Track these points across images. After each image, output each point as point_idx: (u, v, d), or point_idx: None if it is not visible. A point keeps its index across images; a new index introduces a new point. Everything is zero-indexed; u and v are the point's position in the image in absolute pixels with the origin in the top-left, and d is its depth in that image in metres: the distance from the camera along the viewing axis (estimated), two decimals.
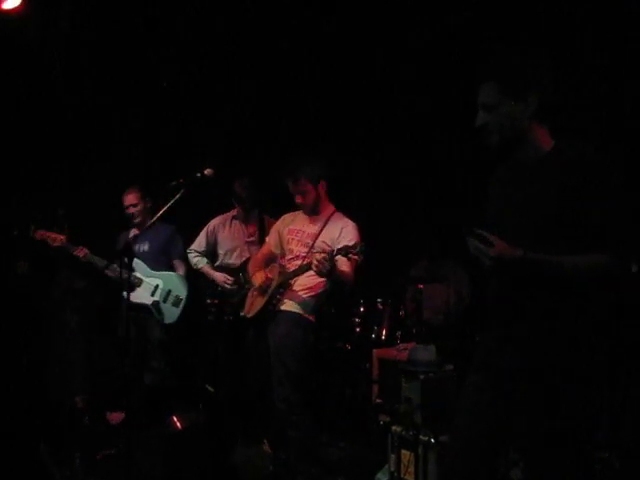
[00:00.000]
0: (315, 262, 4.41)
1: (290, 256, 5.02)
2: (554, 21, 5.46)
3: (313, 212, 4.98)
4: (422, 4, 6.01)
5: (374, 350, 6.30)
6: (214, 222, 6.37)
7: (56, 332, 6.79)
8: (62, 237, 6.18)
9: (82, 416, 6.27)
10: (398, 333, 6.54)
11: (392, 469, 4.67)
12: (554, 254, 2.67)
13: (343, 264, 4.68)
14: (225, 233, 6.31)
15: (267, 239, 5.35)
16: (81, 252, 6.19)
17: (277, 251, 5.20)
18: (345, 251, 4.47)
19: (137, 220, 6.39)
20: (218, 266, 6.32)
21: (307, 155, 4.97)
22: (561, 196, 2.68)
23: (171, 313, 6.31)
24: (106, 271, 6.16)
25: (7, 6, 5.50)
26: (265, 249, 5.34)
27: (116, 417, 6.20)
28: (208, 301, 6.24)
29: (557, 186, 2.70)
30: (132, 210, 6.39)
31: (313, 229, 4.98)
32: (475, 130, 2.88)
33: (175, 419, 5.40)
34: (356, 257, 4.55)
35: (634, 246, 2.73)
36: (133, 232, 6.47)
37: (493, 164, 3.06)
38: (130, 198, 6.42)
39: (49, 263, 6.75)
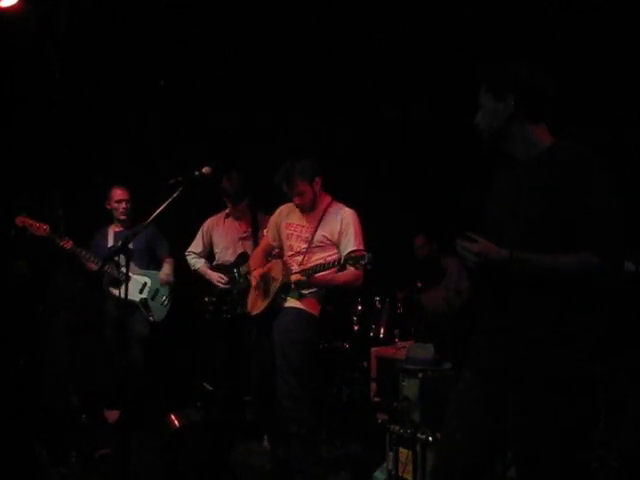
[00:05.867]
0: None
1: (290, 252, 5.04)
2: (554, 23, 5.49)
3: (311, 209, 5.00)
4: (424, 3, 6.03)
5: (372, 348, 6.33)
6: (208, 222, 6.41)
7: (53, 331, 6.78)
8: (45, 226, 6.14)
9: (79, 415, 6.26)
10: (396, 331, 6.57)
11: (390, 467, 4.66)
12: (543, 253, 2.69)
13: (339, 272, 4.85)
14: (219, 231, 6.35)
15: (265, 232, 5.40)
16: (67, 244, 6.18)
17: (275, 244, 5.25)
18: (354, 261, 4.56)
19: (125, 217, 6.41)
20: (216, 265, 6.33)
21: (297, 157, 4.98)
22: (549, 194, 2.70)
23: (159, 311, 6.38)
24: (90, 264, 6.20)
25: (4, 4, 5.51)
26: (264, 243, 5.38)
27: (113, 415, 6.21)
28: (206, 299, 6.27)
29: (546, 184, 2.73)
30: (125, 206, 6.41)
31: (311, 223, 5.01)
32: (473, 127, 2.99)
33: (173, 417, 5.40)
34: (363, 267, 4.66)
35: (623, 247, 2.73)
36: (113, 229, 6.49)
37: (491, 161, 3.09)
38: (123, 193, 6.48)
39: (47, 263, 6.75)
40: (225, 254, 6.29)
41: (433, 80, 6.52)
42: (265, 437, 5.46)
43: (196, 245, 6.39)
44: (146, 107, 7.29)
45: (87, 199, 6.87)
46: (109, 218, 6.60)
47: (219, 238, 6.33)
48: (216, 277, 6.20)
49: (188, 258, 6.40)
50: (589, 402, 2.73)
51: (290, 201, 5.09)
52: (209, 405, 6.19)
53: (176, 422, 5.38)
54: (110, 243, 6.47)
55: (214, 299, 6.21)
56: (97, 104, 7.03)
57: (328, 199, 5.07)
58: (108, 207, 6.54)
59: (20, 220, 6.12)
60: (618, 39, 5.28)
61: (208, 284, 6.29)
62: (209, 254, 6.41)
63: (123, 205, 6.44)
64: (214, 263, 6.37)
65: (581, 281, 2.66)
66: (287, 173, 4.90)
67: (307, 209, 5.01)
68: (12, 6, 5.50)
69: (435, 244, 7.12)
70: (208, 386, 6.36)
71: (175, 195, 4.78)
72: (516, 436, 2.76)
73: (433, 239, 7.08)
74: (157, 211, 4.91)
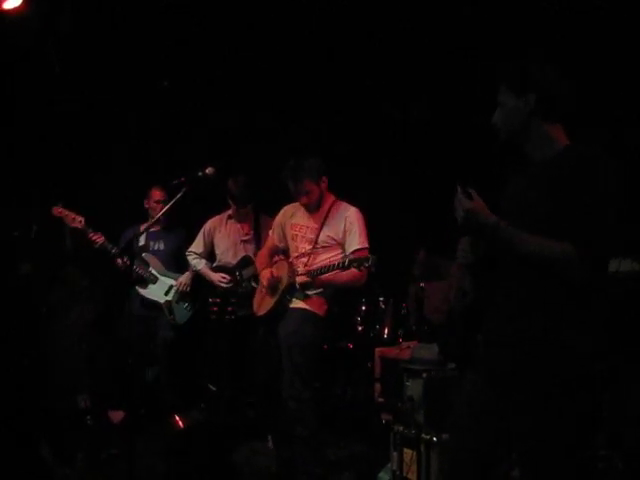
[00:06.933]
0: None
1: (296, 253, 5.05)
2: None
3: (316, 209, 5.01)
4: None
5: (376, 349, 6.30)
6: (210, 223, 6.38)
7: (59, 331, 6.77)
8: (81, 219, 6.16)
9: (85, 415, 6.26)
10: (400, 332, 6.56)
11: (394, 468, 4.66)
12: None
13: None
14: (221, 233, 6.32)
15: (270, 232, 5.38)
16: (99, 238, 6.18)
17: (281, 244, 5.24)
18: (359, 263, 4.56)
19: (162, 217, 6.38)
20: (217, 266, 6.32)
21: (304, 155, 4.98)
22: (555, 194, 2.71)
23: (182, 314, 6.36)
24: (117, 261, 6.20)
25: (8, 6, 5.49)
26: (270, 243, 5.37)
27: (118, 416, 6.20)
28: (210, 300, 6.25)
29: (553, 184, 2.74)
30: (163, 206, 6.38)
31: (315, 223, 5.01)
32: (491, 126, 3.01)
33: (177, 418, 5.40)
34: (367, 270, 4.67)
35: (608, 247, 2.74)
36: (143, 228, 6.47)
37: (498, 160, 3.12)
38: (162, 194, 6.46)
39: (51, 262, 6.73)
40: (226, 256, 6.27)
41: (433, 80, 6.52)
42: (269, 438, 5.45)
43: (197, 245, 6.36)
44: (146, 107, 7.28)
45: (87, 199, 6.86)
46: (144, 217, 6.57)
47: (220, 240, 6.31)
48: (218, 277, 6.17)
49: (189, 258, 6.37)
50: (590, 399, 2.73)
51: (295, 200, 5.09)
52: (213, 406, 6.18)
53: (180, 423, 5.39)
54: (142, 242, 6.49)
55: (218, 300, 6.20)
56: (97, 104, 7.02)
57: (332, 198, 5.07)
58: (146, 206, 6.54)
59: (57, 210, 6.14)
60: (618, 39, 5.29)
61: (210, 285, 6.27)
62: (210, 254, 6.39)
63: (162, 206, 6.37)
64: (215, 264, 6.35)
65: (558, 270, 2.67)
66: (294, 171, 4.90)
67: (312, 208, 5.01)
68: (16, 8, 5.48)
69: (436, 257, 7.08)
70: (212, 387, 6.35)
71: (179, 195, 4.80)
72: (520, 434, 2.76)
73: (433, 254, 7.05)
74: (162, 211, 4.94)
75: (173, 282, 6.41)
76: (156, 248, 6.45)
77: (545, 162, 2.85)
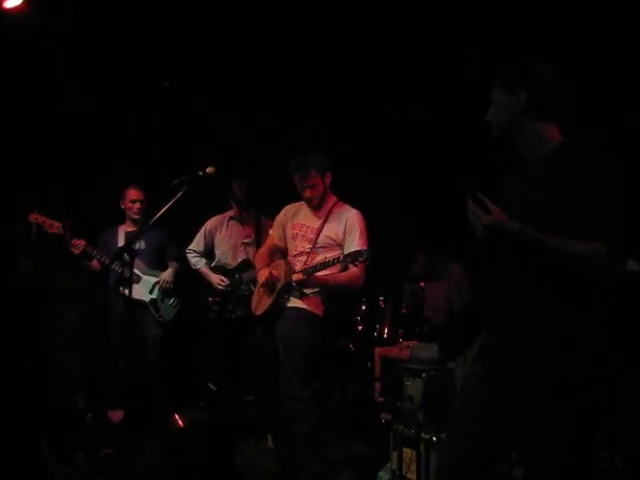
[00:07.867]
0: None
1: (294, 252, 5.04)
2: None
3: (319, 206, 5.01)
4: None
5: (376, 348, 6.31)
6: (211, 222, 6.39)
7: (58, 331, 6.77)
8: (59, 224, 6.09)
9: (84, 415, 6.25)
10: (400, 331, 6.57)
11: (394, 467, 4.66)
12: None
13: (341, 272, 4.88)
14: (222, 234, 6.33)
15: (270, 232, 5.37)
16: (79, 242, 6.13)
17: (281, 244, 5.23)
18: (353, 258, 4.59)
19: (138, 217, 6.37)
20: (215, 266, 6.33)
21: (312, 149, 4.99)
22: (555, 196, 2.72)
23: (168, 311, 6.36)
24: (94, 263, 6.24)
25: (8, 5, 5.49)
26: (269, 242, 5.35)
27: (118, 415, 6.19)
28: (210, 299, 6.26)
29: (552, 185, 2.75)
30: (140, 206, 6.37)
31: (316, 223, 5.01)
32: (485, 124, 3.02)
33: (177, 417, 5.40)
34: (362, 264, 4.71)
35: (621, 244, 2.74)
36: (124, 228, 6.46)
37: (496, 161, 3.11)
38: (138, 193, 6.42)
39: (50, 262, 6.73)
40: (226, 257, 6.29)
41: (433, 80, 6.53)
42: (269, 437, 5.46)
43: (197, 244, 6.37)
44: (146, 107, 7.28)
45: (87, 199, 6.86)
46: (122, 217, 6.55)
47: (221, 241, 6.32)
48: (217, 280, 6.19)
49: (189, 256, 6.38)
50: (590, 399, 2.72)
51: (297, 198, 5.10)
52: (213, 405, 6.19)
53: (180, 422, 5.38)
54: (120, 243, 6.41)
55: (218, 299, 6.20)
56: (97, 104, 7.01)
57: (334, 199, 5.07)
58: (122, 206, 6.48)
59: (34, 217, 6.07)
60: (618, 39, 5.30)
61: (209, 285, 6.28)
62: (209, 253, 6.40)
63: (137, 205, 6.39)
64: (213, 264, 6.36)
65: (589, 268, 2.68)
66: (301, 163, 4.91)
67: (315, 205, 5.01)
68: (16, 7, 5.48)
69: (435, 257, 7.08)
70: (212, 386, 6.36)
71: (179, 195, 4.79)
72: (521, 434, 2.78)
73: (433, 254, 7.06)
74: (162, 211, 4.92)
75: (156, 280, 6.40)
76: (137, 248, 6.40)
77: (541, 161, 2.85)
